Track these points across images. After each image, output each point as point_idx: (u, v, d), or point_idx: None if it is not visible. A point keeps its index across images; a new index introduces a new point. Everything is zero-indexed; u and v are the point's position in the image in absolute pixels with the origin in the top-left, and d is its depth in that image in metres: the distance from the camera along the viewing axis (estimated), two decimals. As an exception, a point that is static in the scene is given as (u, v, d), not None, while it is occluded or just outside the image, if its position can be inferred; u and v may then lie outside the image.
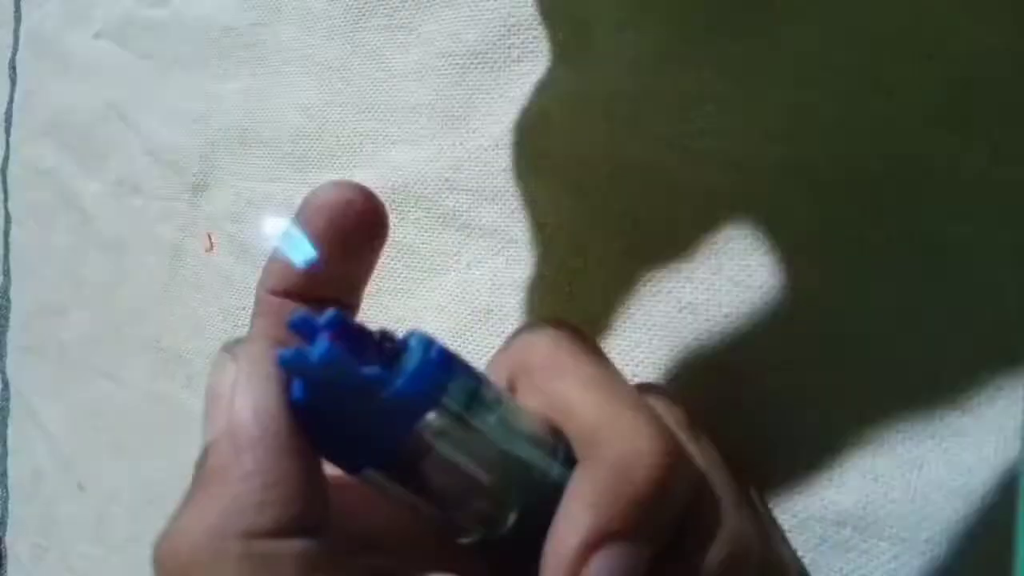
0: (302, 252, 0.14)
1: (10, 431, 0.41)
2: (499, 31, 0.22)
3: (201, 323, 0.31)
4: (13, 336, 0.41)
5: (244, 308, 0.29)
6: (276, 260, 0.15)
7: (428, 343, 0.13)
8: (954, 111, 0.16)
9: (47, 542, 0.39)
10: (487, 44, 0.22)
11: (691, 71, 0.19)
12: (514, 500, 0.13)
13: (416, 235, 0.24)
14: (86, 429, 0.36)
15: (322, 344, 0.12)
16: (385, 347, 0.13)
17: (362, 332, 0.13)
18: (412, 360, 0.12)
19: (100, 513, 0.35)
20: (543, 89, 0.21)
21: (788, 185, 0.18)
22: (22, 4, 0.39)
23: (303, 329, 0.12)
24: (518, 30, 0.22)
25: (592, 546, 0.12)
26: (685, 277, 0.19)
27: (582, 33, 0.20)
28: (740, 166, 0.18)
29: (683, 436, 0.15)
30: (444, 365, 0.12)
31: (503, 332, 0.22)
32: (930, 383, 0.16)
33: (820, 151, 0.17)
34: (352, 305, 0.16)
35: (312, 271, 0.14)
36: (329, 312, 0.12)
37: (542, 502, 0.13)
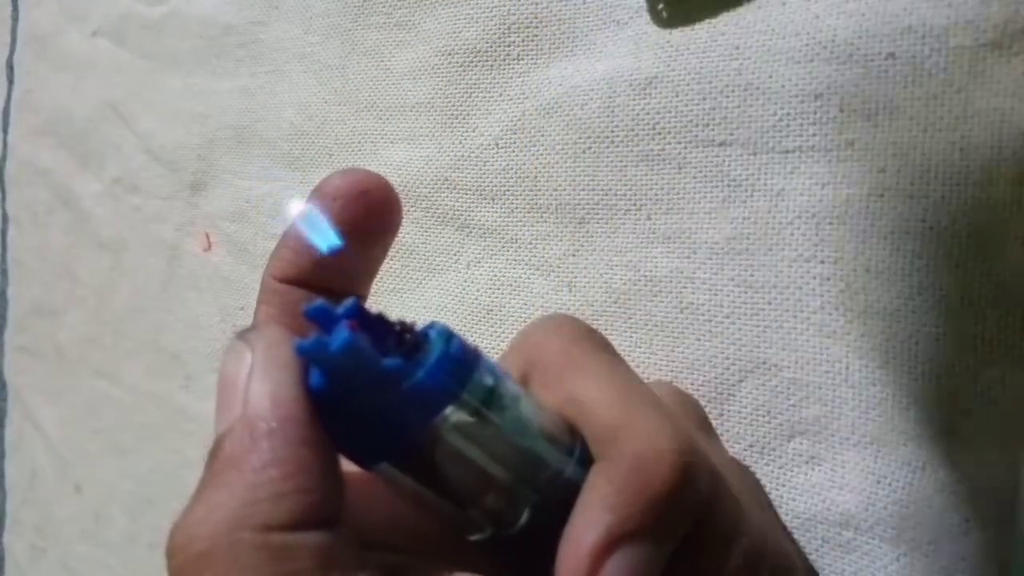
0: (326, 239, 0.13)
1: (7, 432, 0.41)
2: (499, 29, 0.22)
3: (199, 323, 0.31)
4: (10, 336, 0.40)
5: (243, 308, 0.29)
6: (284, 247, 0.14)
7: (449, 335, 0.12)
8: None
9: (45, 543, 0.39)
10: (487, 42, 0.22)
11: (712, 59, 0.18)
12: (528, 497, 0.13)
13: (415, 234, 0.24)
14: (83, 429, 0.36)
15: (342, 333, 0.11)
16: (405, 338, 0.12)
17: (381, 322, 0.12)
18: (433, 352, 0.12)
19: (97, 513, 0.35)
20: (565, 77, 0.21)
21: (795, 176, 0.17)
22: (19, 3, 0.39)
23: (321, 318, 0.12)
24: (518, 28, 0.21)
25: (610, 545, 0.12)
26: (687, 277, 0.19)
27: (607, 23, 0.20)
28: (755, 156, 0.18)
29: (698, 434, 0.15)
30: (465, 359, 0.12)
31: (503, 332, 0.22)
32: (933, 384, 0.16)
33: (837, 137, 0.17)
34: (360, 296, 0.15)
35: (328, 259, 0.14)
36: (348, 301, 0.12)
37: (556, 500, 0.13)
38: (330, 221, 0.13)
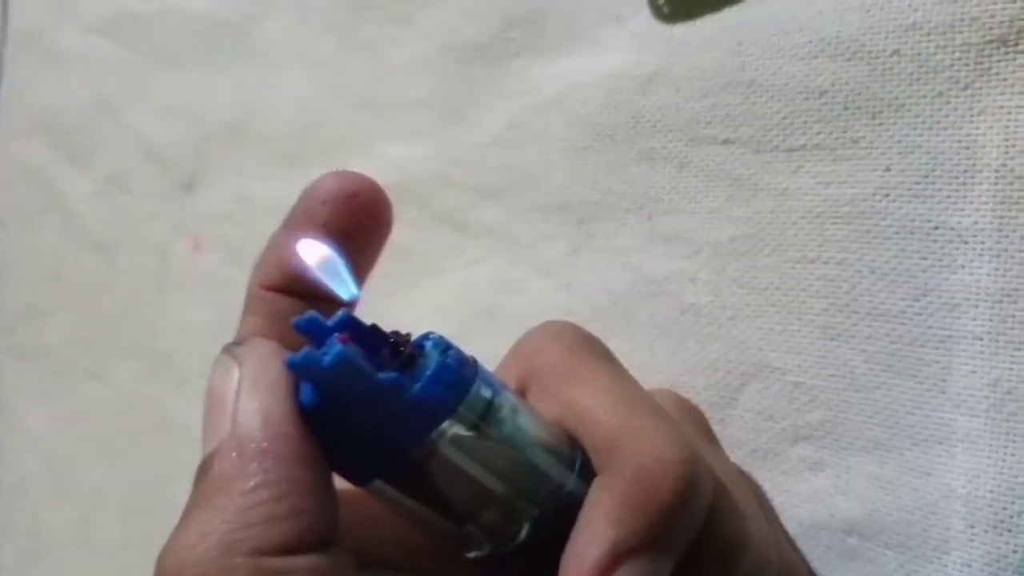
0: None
1: (-5, 435, 0.40)
2: (499, 24, 0.22)
3: (191, 325, 0.30)
4: (-2, 338, 0.40)
5: (236, 310, 0.29)
6: (272, 253, 0.14)
7: (445, 347, 0.12)
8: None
9: (34, 548, 0.38)
10: (486, 38, 0.22)
11: (715, 55, 0.18)
12: (527, 511, 0.12)
13: (413, 234, 0.23)
14: (73, 433, 0.36)
15: (335, 347, 0.11)
16: (400, 350, 0.12)
17: (375, 334, 0.12)
18: (429, 365, 0.12)
19: (88, 519, 0.35)
20: (565, 73, 0.20)
21: (799, 175, 0.17)
22: (10, -1, 0.38)
23: (312, 330, 0.12)
24: (518, 24, 0.21)
25: (614, 560, 0.11)
26: (689, 278, 0.19)
27: (608, 18, 0.20)
28: (759, 154, 0.18)
29: (701, 443, 0.14)
30: (462, 371, 0.12)
31: (504, 334, 0.22)
32: (939, 388, 0.16)
33: (841, 135, 0.17)
34: (350, 304, 0.15)
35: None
36: (339, 312, 0.12)
37: (556, 514, 0.12)
38: (320, 230, 0.13)
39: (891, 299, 0.16)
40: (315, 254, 0.13)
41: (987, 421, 0.15)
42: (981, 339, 0.15)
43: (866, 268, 0.16)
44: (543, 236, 0.21)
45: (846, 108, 0.17)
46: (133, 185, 0.33)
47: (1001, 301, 0.15)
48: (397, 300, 0.24)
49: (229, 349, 0.13)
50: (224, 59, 0.29)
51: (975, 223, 0.15)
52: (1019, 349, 0.15)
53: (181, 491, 0.12)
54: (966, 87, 0.15)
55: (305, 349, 0.11)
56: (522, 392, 0.14)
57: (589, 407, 0.13)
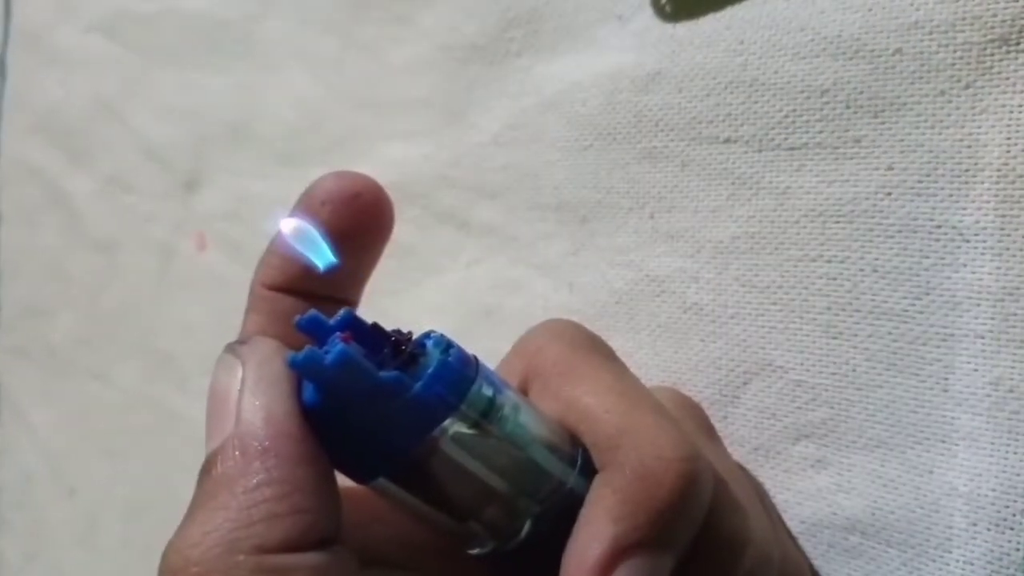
0: (323, 257, 0.13)
1: (-1, 434, 0.40)
2: (499, 24, 0.22)
3: (194, 324, 0.30)
4: (1, 337, 0.40)
5: (238, 309, 0.29)
6: (273, 253, 0.14)
7: (447, 345, 0.12)
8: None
9: (38, 547, 0.38)
10: (487, 37, 0.22)
11: (716, 54, 0.18)
12: (529, 509, 0.12)
13: (413, 234, 0.23)
14: (77, 432, 0.36)
15: (336, 346, 0.11)
16: (401, 349, 0.12)
17: (376, 332, 0.12)
18: (430, 363, 0.12)
19: (91, 518, 0.35)
20: (566, 73, 0.20)
21: (801, 173, 0.17)
22: (11, -1, 0.38)
23: (313, 330, 0.12)
24: (518, 23, 0.21)
25: (615, 557, 0.11)
26: (691, 277, 0.19)
27: (609, 17, 0.20)
28: (761, 153, 0.18)
29: (702, 440, 0.14)
30: (463, 369, 0.12)
31: (504, 333, 0.22)
32: (941, 386, 0.16)
33: (843, 133, 0.17)
34: (351, 303, 0.15)
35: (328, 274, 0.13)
36: (341, 311, 0.12)
37: (558, 511, 0.12)
38: (322, 231, 0.13)
39: (893, 297, 0.16)
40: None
41: (989, 419, 0.15)
42: (983, 337, 0.15)
43: (868, 267, 0.16)
44: (543, 236, 0.21)
45: (848, 107, 0.17)
46: (134, 184, 0.33)
47: (1003, 299, 0.15)
48: (397, 299, 0.24)
49: (232, 348, 0.13)
50: (224, 59, 0.29)
51: (977, 222, 0.15)
52: (1021, 347, 0.15)
53: (183, 490, 0.12)
54: (968, 86, 0.15)
55: (307, 348, 0.11)
56: (524, 390, 0.14)
57: (590, 405, 0.13)
